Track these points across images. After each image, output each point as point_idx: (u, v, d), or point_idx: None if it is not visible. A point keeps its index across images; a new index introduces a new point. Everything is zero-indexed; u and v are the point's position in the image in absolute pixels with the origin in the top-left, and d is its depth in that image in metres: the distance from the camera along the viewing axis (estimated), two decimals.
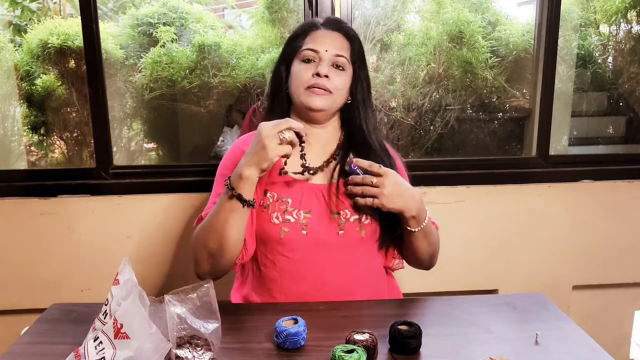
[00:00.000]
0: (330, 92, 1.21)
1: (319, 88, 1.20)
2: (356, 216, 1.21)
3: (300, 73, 1.23)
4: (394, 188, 1.15)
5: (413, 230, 1.19)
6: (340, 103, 1.26)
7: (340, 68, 1.23)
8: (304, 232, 1.18)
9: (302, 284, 1.19)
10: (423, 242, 1.22)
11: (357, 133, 1.28)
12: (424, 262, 1.29)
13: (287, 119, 1.07)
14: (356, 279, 1.22)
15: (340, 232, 1.19)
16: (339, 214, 1.20)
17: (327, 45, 1.23)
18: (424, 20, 2.15)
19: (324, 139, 1.29)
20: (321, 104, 1.21)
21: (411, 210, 1.17)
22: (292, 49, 1.27)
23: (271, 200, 1.20)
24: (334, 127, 1.30)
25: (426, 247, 1.24)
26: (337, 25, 1.28)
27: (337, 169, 1.25)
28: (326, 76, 1.20)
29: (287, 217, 1.19)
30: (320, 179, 1.24)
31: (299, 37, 1.27)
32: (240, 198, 1.07)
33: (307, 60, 1.23)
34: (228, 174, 1.16)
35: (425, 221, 1.20)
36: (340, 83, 1.23)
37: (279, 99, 1.29)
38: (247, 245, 1.18)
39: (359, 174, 1.18)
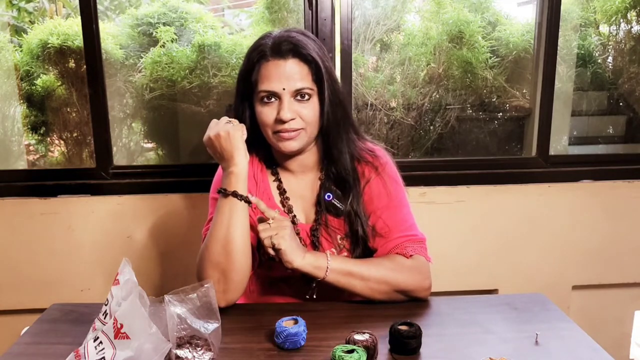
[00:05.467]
0: (301, 129, 1.12)
1: (287, 132, 1.11)
2: (344, 254, 1.19)
3: (263, 116, 1.12)
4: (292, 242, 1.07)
5: (322, 278, 1.09)
6: (316, 131, 1.15)
7: (305, 98, 1.11)
8: (289, 270, 1.15)
9: None
10: (349, 282, 1.10)
11: (334, 154, 1.18)
12: (389, 298, 1.14)
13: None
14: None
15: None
16: (325, 253, 1.16)
17: (283, 81, 1.09)
18: (424, 20, 2.15)
19: (307, 163, 1.21)
20: (296, 146, 1.13)
21: (301, 258, 1.07)
22: (246, 86, 1.14)
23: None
24: (314, 151, 1.21)
25: (361, 286, 1.11)
26: (287, 48, 1.10)
27: (318, 204, 1.20)
28: (292, 119, 1.10)
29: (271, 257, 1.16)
30: (306, 216, 1.22)
31: (251, 72, 1.12)
32: (225, 192, 1.08)
33: (267, 99, 1.11)
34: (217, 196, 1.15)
35: (328, 267, 1.08)
36: (309, 114, 1.11)
37: (249, 134, 1.16)
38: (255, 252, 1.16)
39: (339, 207, 1.17)
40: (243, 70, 1.15)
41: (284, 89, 1.09)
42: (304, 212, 1.22)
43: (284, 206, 1.21)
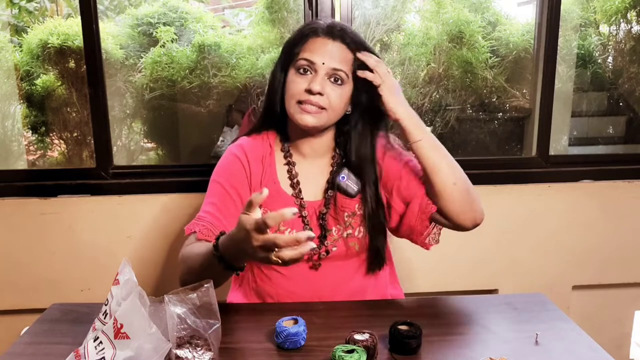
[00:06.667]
0: (324, 108, 1.12)
1: (311, 105, 1.11)
2: (349, 231, 1.19)
3: (293, 85, 1.13)
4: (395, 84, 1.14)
5: (419, 139, 1.12)
6: (336, 118, 1.16)
7: (339, 82, 1.13)
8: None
9: (297, 300, 1.19)
10: (441, 160, 1.12)
11: (354, 147, 1.19)
12: (457, 199, 1.12)
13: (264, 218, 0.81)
14: (353, 293, 1.21)
15: (334, 248, 1.19)
16: (331, 230, 1.19)
17: (325, 57, 1.12)
18: (424, 20, 2.15)
19: (320, 148, 1.22)
20: (312, 122, 1.12)
21: (407, 111, 1.13)
22: (289, 55, 1.16)
23: None
24: (331, 135, 1.22)
25: (447, 169, 1.12)
26: (340, 33, 1.15)
27: (330, 184, 1.21)
28: (320, 93, 1.11)
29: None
30: (312, 195, 1.22)
31: (298, 43, 1.15)
32: (224, 262, 0.95)
33: (303, 71, 1.13)
34: (222, 181, 1.17)
35: (429, 132, 1.14)
36: (336, 99, 1.13)
37: (275, 106, 1.20)
38: None
39: (353, 188, 1.17)
40: (291, 41, 1.18)
41: (323, 64, 1.12)
42: (313, 193, 1.22)
43: (293, 188, 1.21)
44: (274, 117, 1.21)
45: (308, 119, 1.12)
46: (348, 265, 1.21)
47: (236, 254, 0.92)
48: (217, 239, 0.96)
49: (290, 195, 1.20)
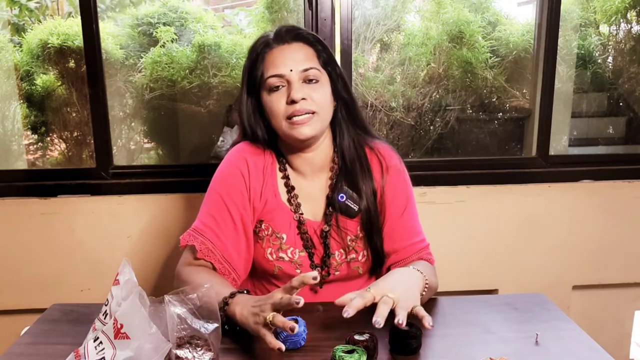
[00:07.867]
0: (313, 112, 1.09)
1: (300, 115, 1.07)
2: (352, 255, 1.17)
3: (273, 105, 1.09)
4: (400, 288, 0.98)
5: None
6: (329, 117, 1.14)
7: (314, 81, 1.10)
8: (298, 270, 1.15)
9: None
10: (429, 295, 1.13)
11: (348, 139, 1.18)
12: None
13: (268, 302, 0.90)
14: None
15: (337, 272, 1.18)
16: (334, 254, 1.17)
17: (290, 64, 1.08)
18: (424, 20, 2.15)
19: (317, 163, 1.19)
20: (309, 132, 1.09)
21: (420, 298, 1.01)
22: (253, 79, 1.13)
23: (266, 233, 1.16)
24: (326, 144, 1.18)
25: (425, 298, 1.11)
26: (292, 34, 1.12)
27: (329, 200, 1.18)
28: (303, 99, 1.07)
29: (281, 254, 1.16)
30: (314, 215, 1.19)
31: (256, 63, 1.12)
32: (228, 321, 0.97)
33: (276, 88, 1.09)
34: (222, 193, 1.14)
35: (424, 291, 1.06)
36: (321, 98, 1.10)
37: (256, 132, 1.17)
38: (238, 274, 1.14)
39: (353, 208, 1.15)
40: (248, 63, 1.15)
41: (291, 71, 1.08)
42: (313, 211, 1.20)
43: (291, 204, 1.18)
44: (259, 139, 1.18)
45: (304, 131, 1.09)
46: (350, 286, 1.19)
47: (239, 316, 0.95)
48: (239, 292, 0.99)
49: (290, 210, 1.18)
